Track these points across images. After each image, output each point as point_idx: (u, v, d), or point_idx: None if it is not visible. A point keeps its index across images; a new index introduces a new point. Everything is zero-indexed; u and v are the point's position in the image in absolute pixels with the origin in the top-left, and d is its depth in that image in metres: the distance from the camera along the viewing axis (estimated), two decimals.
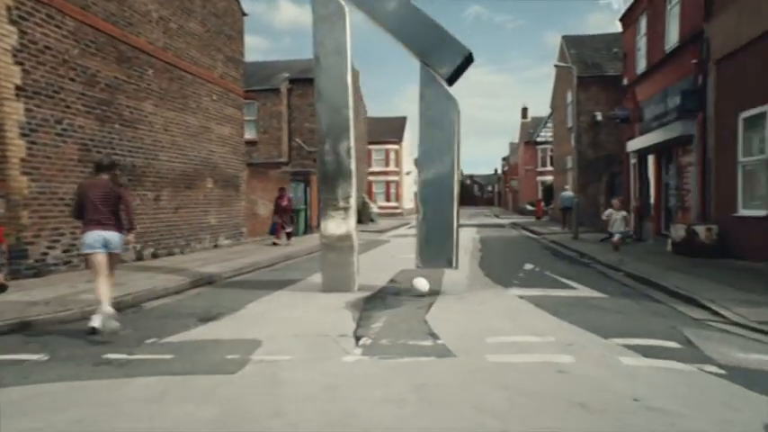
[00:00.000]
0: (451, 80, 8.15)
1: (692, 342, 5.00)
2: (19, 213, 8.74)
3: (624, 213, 13.11)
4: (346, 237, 8.39)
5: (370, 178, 40.48)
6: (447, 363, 4.46)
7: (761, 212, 10.40)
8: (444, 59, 8.08)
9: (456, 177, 8.37)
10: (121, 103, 11.34)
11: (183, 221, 13.81)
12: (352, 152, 8.55)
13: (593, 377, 3.97)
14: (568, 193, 23.46)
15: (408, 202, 56.68)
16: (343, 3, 8.38)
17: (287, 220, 16.61)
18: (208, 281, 9.50)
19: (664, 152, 15.88)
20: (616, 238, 12.69)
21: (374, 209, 34.86)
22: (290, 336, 5.46)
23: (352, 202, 8.50)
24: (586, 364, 4.31)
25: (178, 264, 11.38)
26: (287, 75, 27.86)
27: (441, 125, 8.14)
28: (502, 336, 5.27)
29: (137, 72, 11.84)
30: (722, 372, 4.11)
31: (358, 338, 5.30)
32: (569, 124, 28.38)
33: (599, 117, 26.20)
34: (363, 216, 31.69)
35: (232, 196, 16.56)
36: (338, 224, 8.41)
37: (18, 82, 8.59)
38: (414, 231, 24.94)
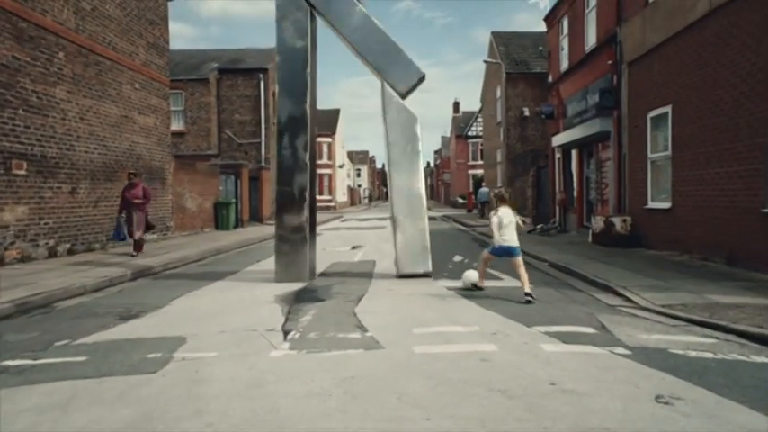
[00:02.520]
0: (405, 96, 8.78)
1: (606, 327, 5.30)
2: None
3: (514, 219, 7.13)
4: (300, 228, 8.58)
5: None
6: (374, 355, 4.49)
7: (665, 205, 11.18)
8: (401, 78, 8.71)
9: (423, 186, 8.94)
10: (25, 88, 10.52)
11: (104, 216, 13.07)
12: (309, 146, 8.76)
13: (515, 364, 4.12)
14: (484, 189, 28.93)
15: (341, 195, 56.55)
16: (309, 8, 8.71)
17: (139, 221, 11.39)
18: (131, 277, 9.06)
19: (585, 147, 16.70)
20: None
21: None
22: (216, 332, 5.30)
23: (307, 195, 8.69)
24: (509, 352, 4.46)
25: (98, 260, 10.79)
26: (216, 65, 26.96)
27: (404, 138, 8.70)
28: (429, 327, 5.36)
29: (44, 54, 11.02)
30: (628, 352, 4.40)
31: (286, 333, 5.22)
32: (498, 119, 29.27)
33: (526, 113, 27.21)
34: None
35: (158, 189, 15.83)
36: (293, 216, 8.61)
37: None
38: (345, 225, 24.93)
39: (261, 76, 26.69)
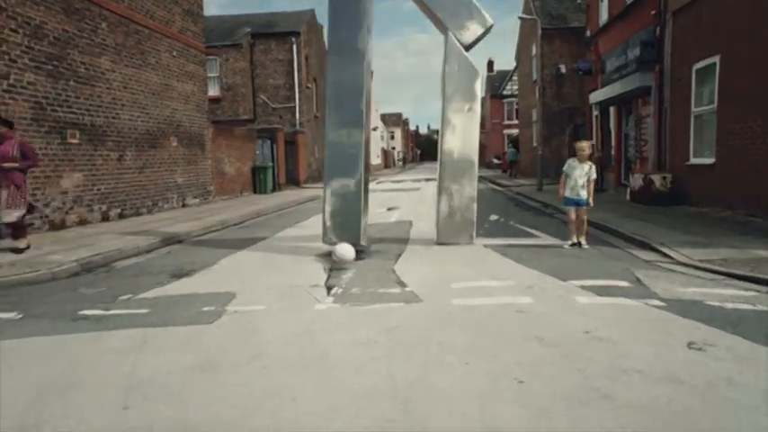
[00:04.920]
0: (469, 48, 8.12)
1: (641, 281, 5.38)
2: None
3: (591, 169, 7.73)
4: (354, 189, 7.94)
5: None
6: (414, 308, 4.72)
7: (709, 160, 10.91)
8: (468, 26, 8.00)
9: (477, 150, 8.24)
10: (75, 59, 10.92)
11: (149, 181, 13.61)
12: (366, 101, 8.07)
13: (550, 315, 4.29)
14: (512, 149, 33.20)
15: (375, 158, 56.58)
16: None
17: (13, 194, 7.43)
18: (178, 239, 9.51)
19: (624, 104, 16.27)
20: (572, 212, 7.72)
21: None
22: (263, 288, 5.62)
23: (362, 153, 8.06)
24: (544, 304, 4.62)
25: (146, 223, 11.31)
26: (249, 29, 27.00)
27: (462, 95, 8.02)
28: (466, 282, 5.55)
29: (88, 25, 11.35)
30: (663, 304, 4.49)
31: (329, 288, 5.50)
32: (534, 77, 28.55)
33: (563, 70, 26.44)
34: None
35: (198, 155, 16.32)
36: (346, 176, 7.96)
37: None
38: (381, 187, 25.09)
39: (293, 39, 26.68)
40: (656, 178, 12.30)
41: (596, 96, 17.26)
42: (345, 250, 6.97)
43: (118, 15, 12.40)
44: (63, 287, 6.02)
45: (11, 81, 9.22)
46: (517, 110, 41.28)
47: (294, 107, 26.49)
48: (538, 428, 2.48)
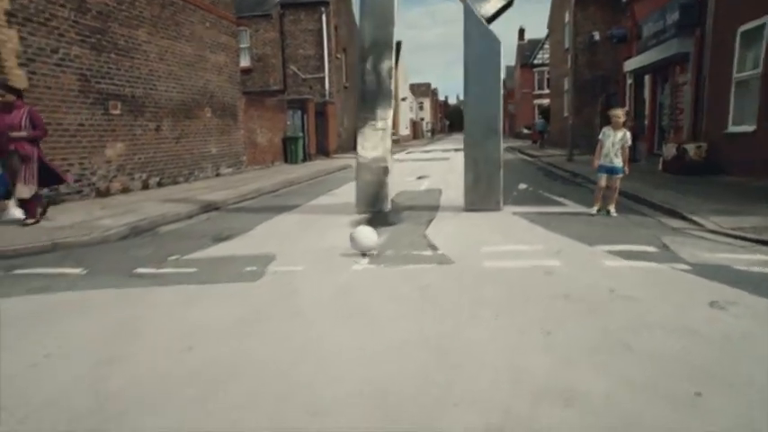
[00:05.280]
0: (490, 20, 8.18)
1: (668, 246, 5.49)
2: None
3: (625, 136, 7.59)
4: (381, 158, 8.51)
5: None
6: (446, 269, 4.95)
7: (749, 128, 10.69)
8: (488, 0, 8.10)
9: (501, 119, 8.37)
10: (115, 32, 11.26)
11: (185, 151, 14.05)
12: (393, 72, 8.46)
13: (577, 276, 4.47)
14: (541, 119, 32.85)
15: (404, 128, 56.37)
16: None
17: (27, 169, 7.26)
18: (215, 206, 9.90)
19: (660, 71, 15.89)
20: (603, 180, 7.73)
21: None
22: (300, 251, 5.92)
23: (389, 123, 8.51)
24: (571, 266, 4.80)
25: (184, 191, 11.75)
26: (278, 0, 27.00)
27: (485, 65, 8.09)
28: (496, 246, 5.75)
29: None
30: (688, 268, 4.62)
31: (363, 254, 5.76)
32: (566, 45, 27.91)
33: (596, 37, 25.75)
34: None
35: (231, 125, 16.68)
36: (374, 145, 8.47)
37: (7, 6, 8.52)
38: (410, 157, 25.15)
39: (323, 9, 26.57)
40: (691, 148, 12.12)
41: (631, 64, 16.88)
42: (365, 235, 5.65)
43: None
44: (115, 249, 6.44)
45: (60, 55, 9.62)
46: (548, 79, 40.42)
47: (324, 77, 26.56)
48: (562, 374, 2.71)
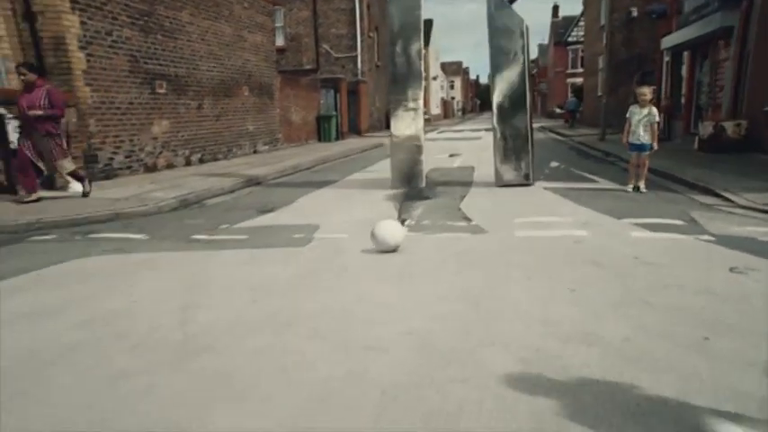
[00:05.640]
0: (512, 1, 8.50)
1: (696, 220, 5.69)
2: (86, 122, 9.59)
3: (651, 112, 7.74)
4: (415, 137, 8.91)
5: None
6: (480, 237, 5.29)
7: None
8: None
9: (528, 95, 8.68)
10: (161, 14, 11.74)
11: (225, 128, 14.58)
12: (423, 53, 8.85)
13: (604, 244, 4.75)
14: (573, 98, 32.93)
15: (435, 108, 56.12)
16: None
17: (53, 147, 7.56)
18: (257, 181, 10.40)
19: (699, 48, 15.61)
20: (634, 157, 7.94)
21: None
22: (342, 221, 6.32)
23: (421, 103, 8.90)
24: (599, 236, 5.07)
25: (225, 168, 12.29)
26: None
27: (510, 43, 8.42)
28: (527, 218, 6.05)
29: None
30: (713, 239, 4.84)
31: (402, 221, 6.13)
32: (602, 22, 27.37)
33: (634, 13, 25.20)
34: None
35: (267, 104, 17.14)
36: (407, 124, 8.88)
37: None
38: (442, 136, 25.29)
39: None
40: (729, 125, 12.03)
41: (669, 41, 16.60)
42: (388, 232, 4.84)
43: None
44: (169, 218, 6.96)
45: (113, 37, 10.15)
46: (582, 57, 39.66)
47: (356, 56, 26.76)
48: (587, 323, 3.04)
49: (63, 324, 3.27)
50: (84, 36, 9.42)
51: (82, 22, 9.35)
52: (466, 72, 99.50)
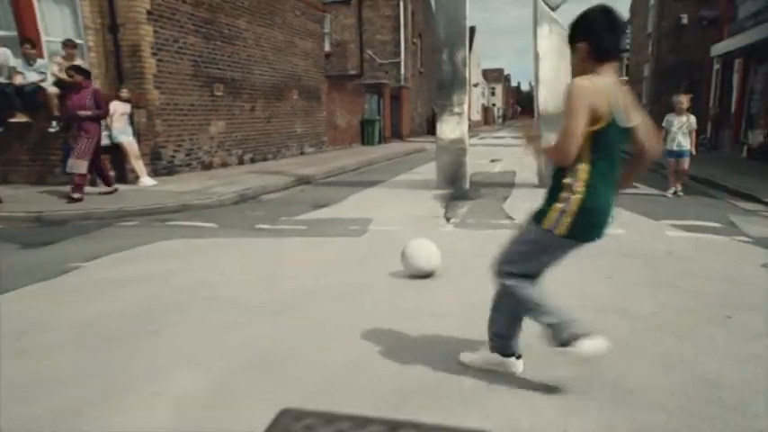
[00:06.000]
0: (555, 8, 8.89)
1: (734, 223, 5.92)
2: (154, 122, 10.40)
3: (690, 119, 8.03)
4: (459, 140, 9.36)
5: None
6: None
7: None
8: None
9: None
10: (221, 21, 12.53)
11: (275, 130, 15.31)
12: (468, 61, 9.34)
13: (639, 241, 5.09)
14: None
15: (475, 114, 56.16)
16: None
17: (86, 146, 7.60)
18: (307, 180, 11.01)
19: (753, 54, 15.44)
20: (672, 163, 8.24)
21: None
22: (392, 216, 6.80)
23: (465, 108, 9.38)
24: (635, 234, 5.40)
25: (276, 167, 12.97)
26: None
27: (554, 53, 8.84)
28: None
29: None
30: (749, 240, 5.10)
31: (448, 218, 6.57)
32: (649, 30, 27.14)
33: (684, 20, 24.86)
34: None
35: (314, 107, 17.84)
36: (452, 128, 9.35)
37: (148, 7, 9.91)
38: (482, 142, 25.50)
39: None
40: None
41: (721, 48, 16.47)
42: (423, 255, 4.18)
43: None
44: (231, 211, 7.59)
45: (180, 44, 10.97)
46: (627, 65, 39.15)
47: (399, 62, 27.33)
48: (619, 300, 3.42)
49: (168, 288, 3.90)
50: (156, 43, 10.24)
51: (155, 31, 10.17)
52: (507, 79, 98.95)
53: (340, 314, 3.27)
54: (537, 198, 7.18)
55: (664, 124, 8.26)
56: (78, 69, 7.92)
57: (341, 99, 20.29)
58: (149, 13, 9.95)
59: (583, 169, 2.12)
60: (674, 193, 8.06)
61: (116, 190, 8.43)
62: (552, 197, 2.23)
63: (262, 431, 2.03)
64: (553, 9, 8.91)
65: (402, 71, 27.31)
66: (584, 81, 2.04)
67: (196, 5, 11.47)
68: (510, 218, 6.56)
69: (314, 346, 2.86)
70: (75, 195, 7.53)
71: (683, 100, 8.08)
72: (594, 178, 2.12)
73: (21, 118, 8.56)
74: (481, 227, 6.04)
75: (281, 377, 2.52)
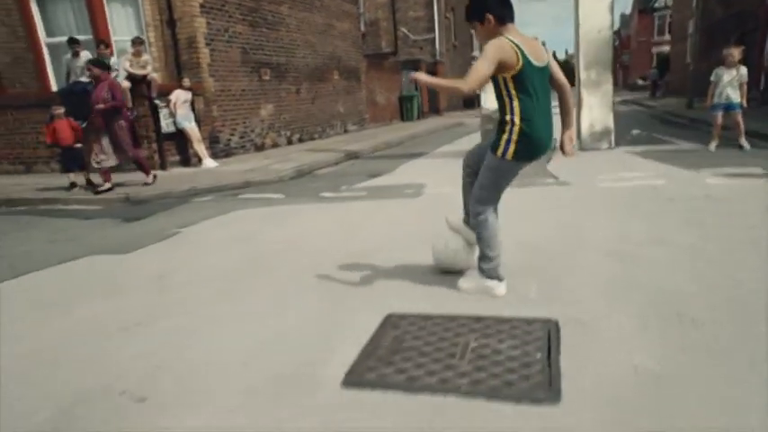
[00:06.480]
0: None
1: None
2: (210, 108, 11.16)
3: (740, 72, 7.91)
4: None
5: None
6: (566, 188, 6.13)
7: None
8: None
9: (611, 67, 9.39)
10: (265, 9, 13.13)
11: (319, 110, 15.94)
12: None
13: (679, 188, 5.47)
14: (654, 70, 34.36)
15: None
16: None
17: (121, 139, 7.71)
18: (356, 155, 11.60)
19: None
20: (719, 117, 8.20)
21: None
22: (443, 181, 7.25)
23: None
24: (675, 183, 5.77)
25: (323, 145, 13.61)
26: None
27: (594, 20, 9.09)
28: (609, 173, 6.77)
29: None
30: None
31: None
32: None
33: None
34: (472, 101, 32.43)
35: (355, 86, 18.36)
36: (494, 99, 9.79)
37: (200, 0, 10.59)
38: None
39: None
40: None
41: None
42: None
43: None
44: (292, 184, 8.24)
45: (230, 33, 11.65)
46: (670, 23, 37.91)
47: (434, 38, 27.45)
48: (658, 234, 3.88)
49: (264, 242, 4.58)
50: (209, 34, 10.94)
51: (207, 23, 10.86)
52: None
53: (420, 257, 3.82)
54: (578, 159, 7.63)
55: (712, 78, 8.21)
56: (96, 62, 7.87)
57: (379, 77, 20.73)
58: (202, 6, 10.62)
59: (516, 106, 2.78)
60: (739, 147, 8.03)
61: (155, 177, 8.30)
62: (500, 131, 2.89)
63: (375, 327, 2.65)
64: None
65: (437, 46, 27.43)
66: (497, 41, 2.70)
67: None
68: (554, 176, 6.98)
69: (403, 275, 3.46)
70: (103, 187, 7.67)
71: (735, 52, 8.02)
72: (527, 111, 2.77)
73: None
74: (527, 185, 6.49)
75: (383, 295, 3.14)
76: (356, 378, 2.18)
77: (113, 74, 9.57)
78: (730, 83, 7.99)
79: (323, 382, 2.20)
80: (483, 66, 2.63)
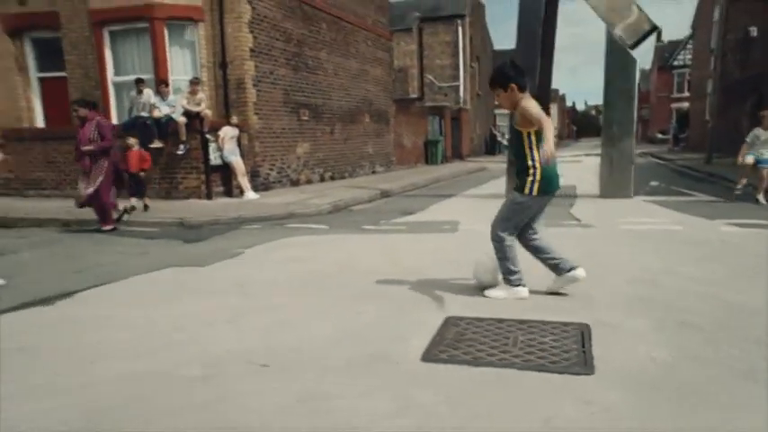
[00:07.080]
0: (633, 47, 9.60)
1: None
2: (253, 144, 11.99)
3: None
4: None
5: (496, 112, 41.52)
6: (588, 229, 6.68)
7: None
8: (629, 33, 9.39)
9: (634, 122, 10.08)
10: (306, 54, 14.14)
11: (350, 151, 16.77)
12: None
13: (694, 233, 6.00)
14: (674, 124, 36.46)
15: None
16: None
17: (103, 175, 7.36)
18: (388, 194, 12.28)
19: None
20: (751, 158, 8.89)
21: (504, 141, 36.24)
22: (475, 219, 7.80)
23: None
24: (691, 229, 6.32)
25: (355, 184, 14.33)
26: (418, 14, 29.52)
27: (621, 79, 9.85)
28: (628, 218, 7.31)
29: (315, 27, 14.53)
30: None
31: None
32: (712, 45, 27.15)
33: (753, 32, 24.52)
34: (494, 148, 33.37)
35: (384, 129, 19.26)
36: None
37: (251, 45, 11.59)
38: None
39: (459, 21, 28.66)
40: None
41: None
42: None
43: (332, 16, 15.49)
44: (332, 217, 8.87)
45: (275, 76, 12.61)
46: (689, 81, 38.83)
47: (458, 86, 28.58)
48: (670, 267, 4.40)
49: (318, 264, 5.16)
50: (256, 76, 11.88)
51: (255, 66, 11.82)
52: (562, 99, 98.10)
53: (463, 276, 4.37)
54: (599, 205, 8.32)
55: (748, 139, 8.95)
56: (82, 103, 7.59)
57: (406, 121, 21.66)
58: (252, 50, 11.61)
59: (536, 154, 3.61)
60: (755, 200, 8.61)
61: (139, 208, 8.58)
62: (524, 174, 3.67)
63: (438, 326, 3.21)
64: (631, 48, 9.60)
65: (461, 94, 28.53)
66: (533, 102, 3.57)
67: (287, 41, 13.12)
68: (576, 219, 7.52)
69: (452, 289, 4.02)
70: (106, 227, 7.45)
71: None
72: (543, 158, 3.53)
73: (157, 144, 10.28)
74: (555, 225, 7.02)
75: (438, 303, 3.74)
76: (432, 356, 2.82)
77: (170, 110, 10.49)
78: (765, 143, 8.64)
79: (405, 359, 2.80)
80: (537, 108, 3.48)
